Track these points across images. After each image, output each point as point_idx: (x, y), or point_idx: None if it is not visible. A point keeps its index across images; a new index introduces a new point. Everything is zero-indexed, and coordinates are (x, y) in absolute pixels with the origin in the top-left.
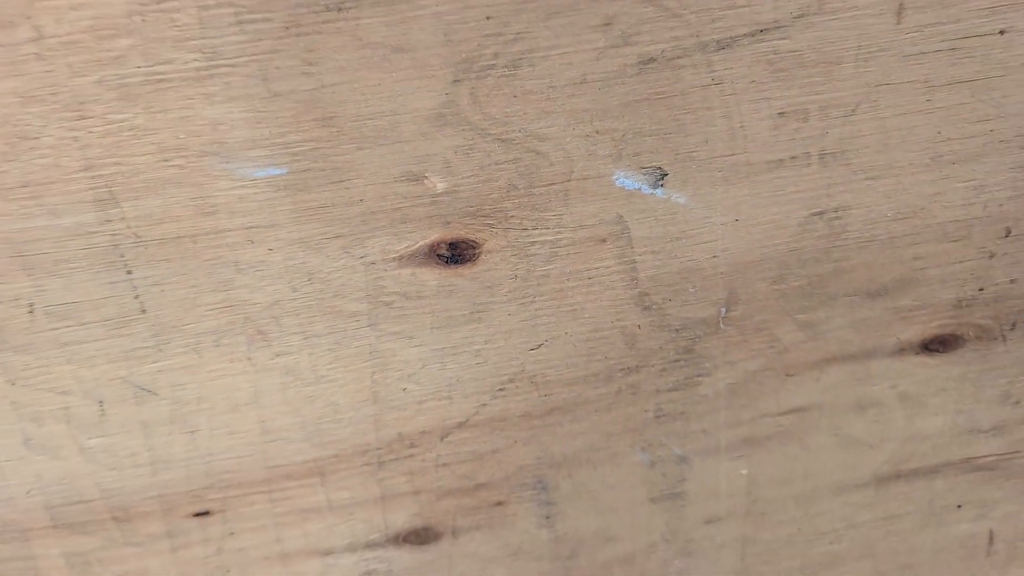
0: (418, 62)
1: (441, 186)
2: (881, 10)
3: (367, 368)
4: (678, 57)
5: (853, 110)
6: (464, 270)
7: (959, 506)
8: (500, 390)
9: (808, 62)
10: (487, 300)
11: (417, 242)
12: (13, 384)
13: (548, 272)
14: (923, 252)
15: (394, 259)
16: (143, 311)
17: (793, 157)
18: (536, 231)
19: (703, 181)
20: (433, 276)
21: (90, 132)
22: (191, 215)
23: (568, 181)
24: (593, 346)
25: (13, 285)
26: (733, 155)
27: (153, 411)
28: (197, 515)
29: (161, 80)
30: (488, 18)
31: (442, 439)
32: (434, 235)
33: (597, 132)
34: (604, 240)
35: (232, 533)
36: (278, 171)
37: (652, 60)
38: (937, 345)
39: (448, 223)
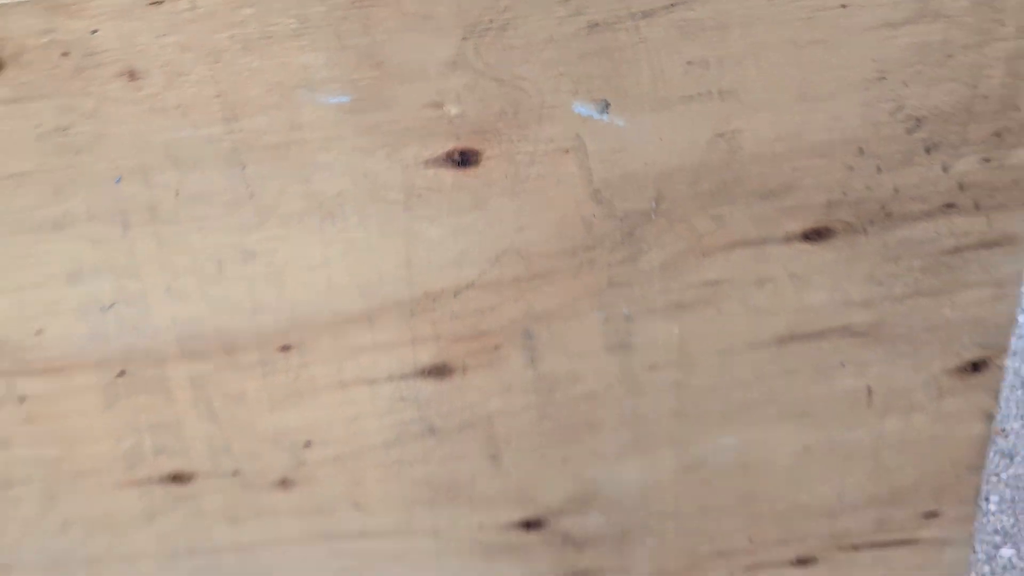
0: (439, 25)
1: (454, 111)
2: None
3: (403, 242)
4: (615, 23)
5: (741, 61)
6: (470, 171)
7: (842, 364)
8: (496, 260)
9: (708, 27)
10: (486, 193)
11: (438, 151)
12: (161, 247)
13: (529, 174)
14: (799, 165)
15: (422, 163)
16: (251, 196)
17: (699, 94)
18: (520, 144)
19: (636, 110)
20: (449, 175)
21: (222, 71)
22: (286, 129)
23: (542, 109)
24: (562, 229)
25: (165, 175)
26: (656, 92)
27: (254, 270)
28: (282, 349)
29: (270, 37)
30: None
31: (455, 296)
32: (450, 146)
33: (561, 75)
34: (568, 151)
35: (305, 364)
36: (345, 99)
37: (597, 25)
38: (815, 235)
39: (459, 137)
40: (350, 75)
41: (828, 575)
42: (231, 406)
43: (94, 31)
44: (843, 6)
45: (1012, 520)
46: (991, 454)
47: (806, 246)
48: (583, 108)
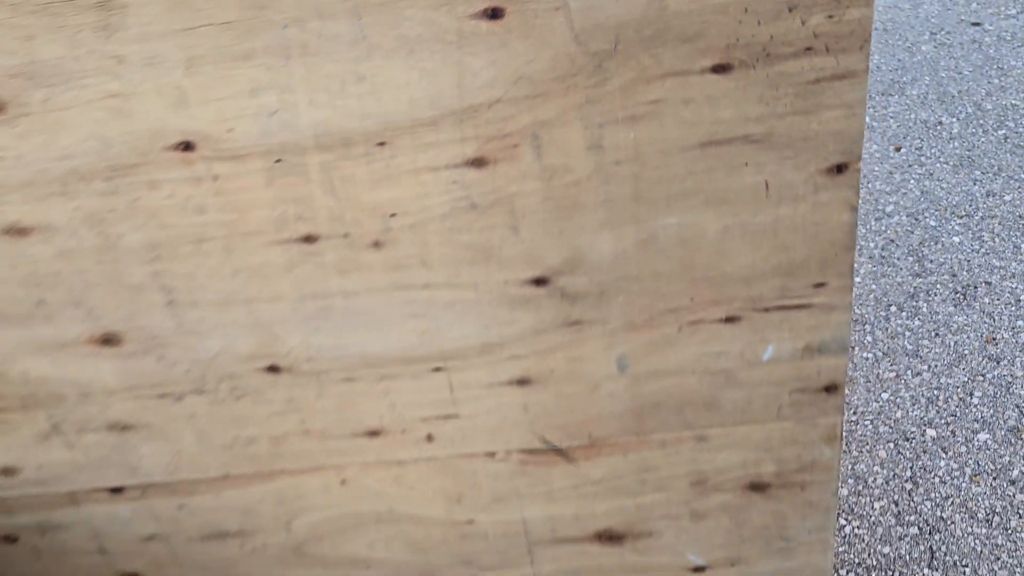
0: None
1: None
2: None
3: (456, 70)
4: None
5: None
6: (498, 22)
7: (746, 164)
8: (514, 83)
9: None
10: (508, 37)
11: (478, 7)
12: (307, 72)
13: (535, 24)
14: (707, 19)
15: (468, 15)
16: (364, 38)
17: None
18: (528, 4)
19: None
20: (484, 25)
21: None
22: None
23: None
24: (555, 62)
25: (312, 24)
26: None
27: (363, 88)
28: (379, 144)
29: None
30: None
31: (488, 108)
32: (485, 4)
33: None
34: (558, 9)
35: (394, 155)
36: None
37: None
38: (720, 69)
39: None
40: None
41: (749, 332)
42: (345, 185)
43: None
44: None
45: (991, 412)
46: (980, 358)
47: (715, 76)
48: None
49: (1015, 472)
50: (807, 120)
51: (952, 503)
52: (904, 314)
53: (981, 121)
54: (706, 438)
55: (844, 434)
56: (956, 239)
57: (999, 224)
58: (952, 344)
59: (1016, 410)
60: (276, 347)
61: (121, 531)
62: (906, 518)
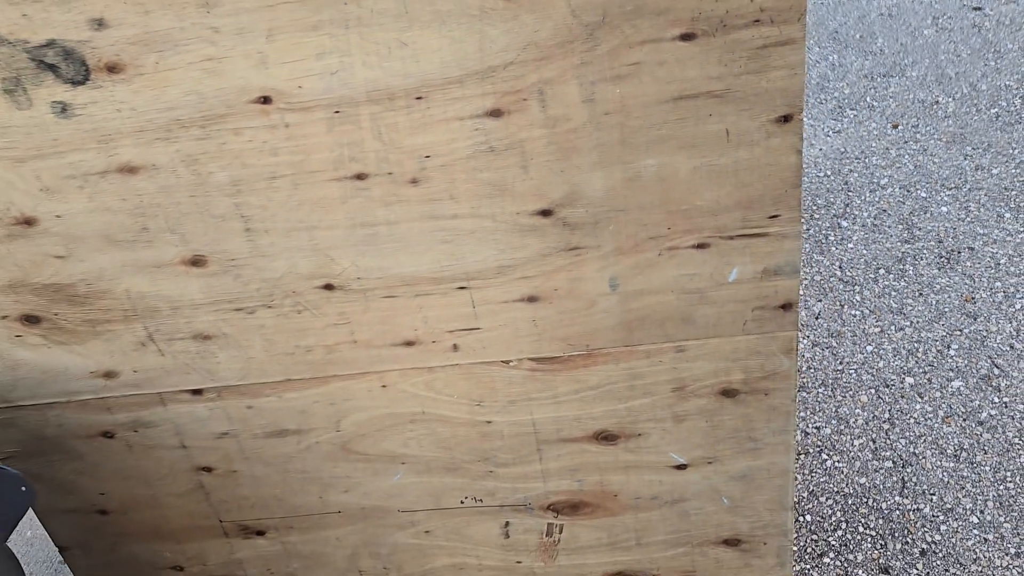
0: None
1: None
2: None
3: (478, 37)
4: None
5: None
6: (511, 0)
7: (710, 115)
8: (524, 48)
9: None
10: (519, 11)
11: None
12: (362, 39)
13: (540, 1)
14: None
15: None
16: (406, 12)
17: None
18: None
19: None
20: (500, 1)
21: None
22: None
23: None
24: (556, 31)
25: (366, 0)
26: None
27: (405, 52)
28: (417, 98)
29: None
30: None
31: (504, 68)
32: None
33: None
34: None
35: (429, 107)
36: None
37: None
38: (687, 37)
39: None
40: None
41: (717, 256)
42: (389, 132)
43: None
44: None
45: (966, 362)
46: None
47: (683, 43)
48: None
49: (983, 415)
50: (758, 78)
51: (924, 440)
52: (891, 276)
53: (975, 100)
54: (684, 349)
55: (830, 381)
56: (944, 209)
57: (985, 195)
58: (934, 303)
59: (988, 360)
60: (331, 268)
61: (199, 429)
62: (882, 453)
